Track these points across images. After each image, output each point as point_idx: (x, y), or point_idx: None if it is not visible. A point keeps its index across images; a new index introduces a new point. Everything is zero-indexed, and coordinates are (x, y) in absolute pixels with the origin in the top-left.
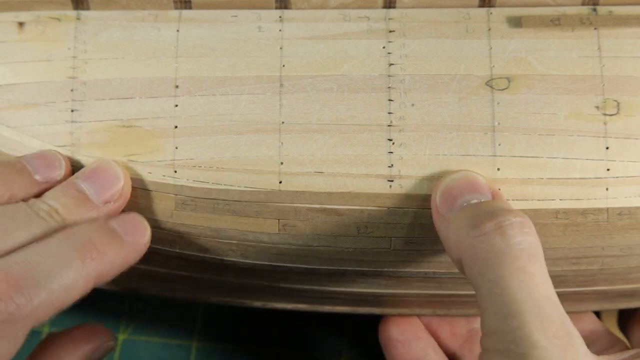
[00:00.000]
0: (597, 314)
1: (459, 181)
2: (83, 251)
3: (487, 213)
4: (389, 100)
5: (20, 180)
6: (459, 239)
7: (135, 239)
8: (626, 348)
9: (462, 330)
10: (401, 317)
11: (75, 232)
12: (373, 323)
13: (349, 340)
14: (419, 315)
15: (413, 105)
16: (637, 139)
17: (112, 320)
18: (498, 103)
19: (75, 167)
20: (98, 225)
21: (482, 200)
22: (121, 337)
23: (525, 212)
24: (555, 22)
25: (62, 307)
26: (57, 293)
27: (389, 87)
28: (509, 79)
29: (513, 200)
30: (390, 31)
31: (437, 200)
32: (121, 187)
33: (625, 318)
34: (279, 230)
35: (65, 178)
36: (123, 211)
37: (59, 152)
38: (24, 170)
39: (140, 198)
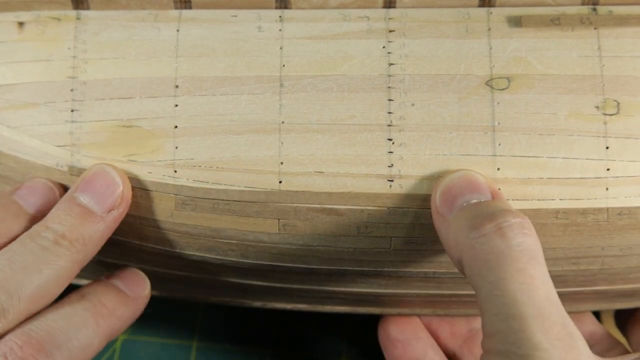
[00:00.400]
0: (597, 314)
1: (459, 181)
2: (95, 311)
3: (486, 214)
4: (389, 100)
5: (17, 223)
6: (459, 240)
7: (138, 294)
8: (626, 351)
9: (462, 330)
10: (401, 317)
11: (85, 294)
12: (373, 323)
13: (349, 340)
14: (418, 315)
15: (413, 105)
16: (637, 138)
17: None
18: (498, 103)
19: (74, 168)
20: (105, 286)
21: (481, 200)
22: (121, 337)
23: (525, 212)
24: (555, 22)
25: None
26: (77, 352)
27: (389, 87)
28: (509, 79)
29: (513, 200)
30: (390, 31)
31: (436, 200)
32: (121, 192)
33: (624, 318)
34: (279, 230)
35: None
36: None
37: (47, 180)
38: (20, 211)
39: (140, 198)
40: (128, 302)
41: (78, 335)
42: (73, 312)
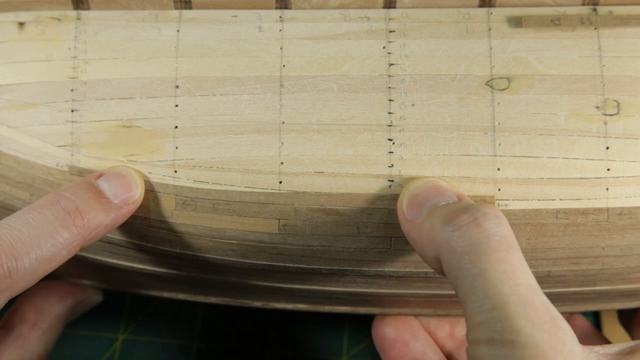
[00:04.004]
0: (597, 313)
1: (424, 187)
2: (67, 219)
3: (459, 208)
4: (389, 100)
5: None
6: (433, 237)
7: (124, 199)
8: (606, 341)
9: (462, 330)
10: (396, 317)
11: (61, 198)
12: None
13: (349, 340)
14: (418, 315)
15: (413, 105)
16: (637, 138)
17: (112, 320)
18: (498, 103)
19: (74, 168)
20: (86, 189)
21: (449, 202)
22: (121, 337)
23: (525, 212)
24: (555, 22)
25: (44, 275)
26: (38, 265)
27: (389, 87)
28: (509, 79)
29: (513, 200)
30: (391, 31)
31: (404, 208)
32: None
33: (627, 316)
34: (279, 230)
35: None
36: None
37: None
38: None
39: None
40: (110, 209)
41: (41, 246)
42: (42, 221)
